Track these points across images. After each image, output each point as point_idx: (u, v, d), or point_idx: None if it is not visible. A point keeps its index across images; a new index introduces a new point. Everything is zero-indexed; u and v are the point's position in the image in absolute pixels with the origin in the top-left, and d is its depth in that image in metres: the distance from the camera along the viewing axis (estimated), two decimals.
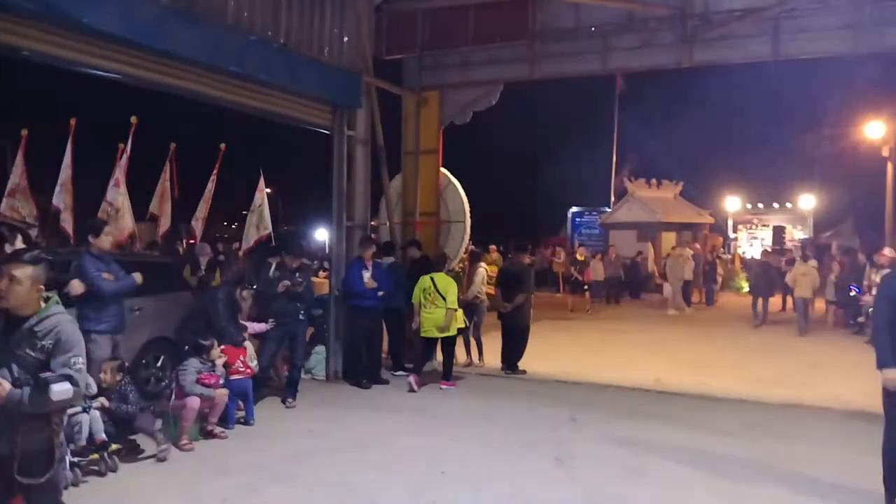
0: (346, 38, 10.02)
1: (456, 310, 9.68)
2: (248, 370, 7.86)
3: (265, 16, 8.68)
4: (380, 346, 10.00)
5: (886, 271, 10.18)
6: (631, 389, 9.74)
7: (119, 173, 11.07)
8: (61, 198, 10.80)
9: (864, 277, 14.98)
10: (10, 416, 3.36)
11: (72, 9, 6.30)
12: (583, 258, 22.11)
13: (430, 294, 9.67)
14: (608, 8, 10.39)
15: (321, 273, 13.27)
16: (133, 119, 11.19)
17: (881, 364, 5.31)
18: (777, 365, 11.82)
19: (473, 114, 11.70)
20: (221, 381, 7.26)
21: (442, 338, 9.77)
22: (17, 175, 10.91)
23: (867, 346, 12.53)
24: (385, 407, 8.62)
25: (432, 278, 9.76)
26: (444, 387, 9.59)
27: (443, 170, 11.84)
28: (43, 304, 3.55)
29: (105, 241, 7.01)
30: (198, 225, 12.94)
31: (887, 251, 14.23)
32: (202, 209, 12.99)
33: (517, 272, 11.01)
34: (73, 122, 11.11)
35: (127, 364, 6.87)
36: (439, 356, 10.13)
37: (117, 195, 10.99)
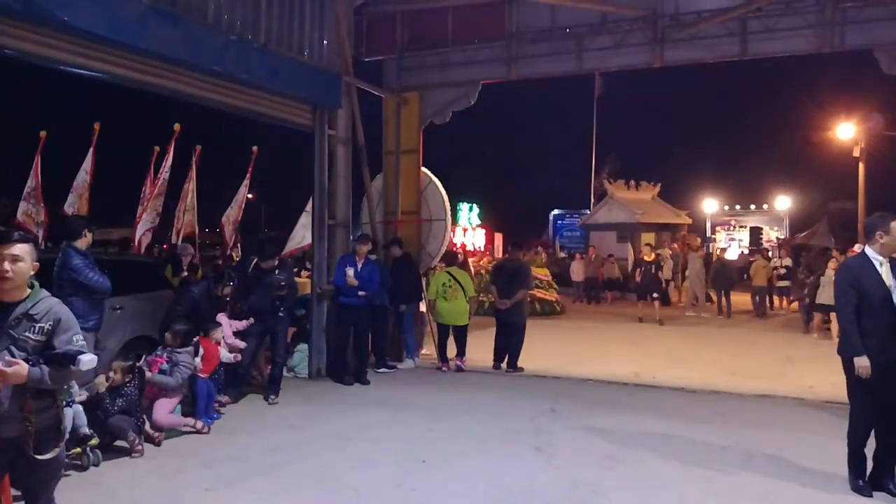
0: (325, 40, 10.12)
1: (476, 297, 10.68)
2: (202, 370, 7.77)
3: (245, 16, 8.76)
4: (366, 343, 10.08)
5: None
6: (609, 383, 9.92)
7: (154, 179, 11.05)
8: (73, 202, 10.71)
9: None
10: (23, 398, 3.43)
11: (53, 7, 6.36)
12: (651, 258, 18.14)
13: (450, 287, 10.68)
14: (582, 9, 10.56)
15: (303, 273, 13.32)
16: (176, 126, 11.05)
17: (854, 353, 5.38)
18: (752, 359, 12.06)
19: (454, 117, 11.80)
20: (166, 366, 7.18)
21: (459, 325, 10.81)
22: (33, 177, 10.78)
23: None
24: (366, 402, 8.71)
25: (450, 272, 10.84)
26: (461, 364, 10.73)
27: (423, 169, 11.97)
28: (29, 291, 3.62)
29: (89, 238, 7.07)
30: (228, 227, 12.77)
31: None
32: (234, 212, 12.84)
33: (516, 268, 11.10)
34: (96, 126, 10.97)
35: (138, 365, 6.91)
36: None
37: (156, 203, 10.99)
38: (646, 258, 18.08)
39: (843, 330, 5.62)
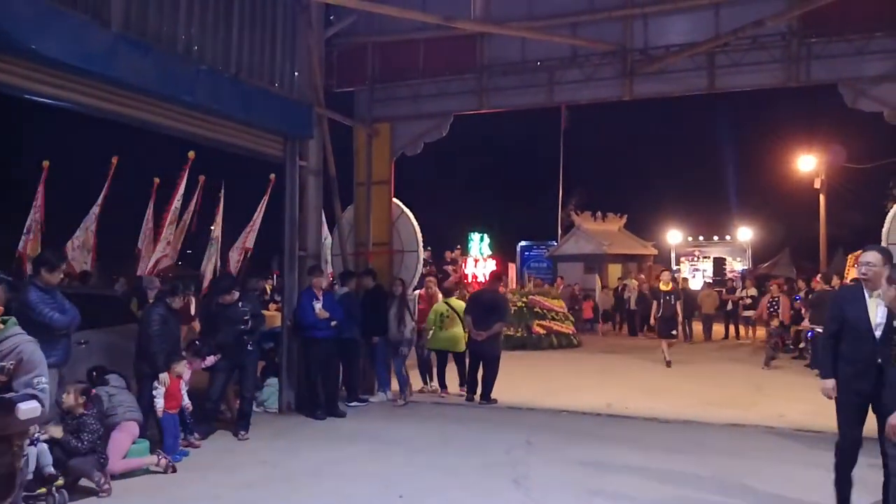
0: (297, 71, 10.10)
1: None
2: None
3: (216, 47, 8.71)
4: (336, 376, 9.94)
5: None
6: (584, 414, 9.87)
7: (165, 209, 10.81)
8: (80, 235, 10.44)
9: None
10: None
11: (21, 35, 6.23)
12: (668, 287, 15.30)
13: (447, 317, 10.96)
14: (553, 43, 10.67)
15: (272, 306, 13.11)
16: (191, 154, 10.78)
17: (822, 374, 5.60)
18: (723, 389, 12.11)
19: (424, 147, 11.83)
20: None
21: (450, 352, 11.08)
22: (36, 209, 10.44)
23: (809, 370, 12.97)
24: (340, 436, 8.56)
25: (448, 303, 11.13)
26: (444, 395, 10.98)
27: (395, 200, 11.93)
28: (1, 326, 3.49)
29: (56, 276, 6.87)
30: (234, 255, 12.40)
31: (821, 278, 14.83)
32: (245, 239, 12.45)
33: (494, 300, 11.01)
34: (114, 160, 10.76)
35: (93, 391, 6.68)
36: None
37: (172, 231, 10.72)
38: (663, 287, 15.33)
39: (821, 354, 5.83)
